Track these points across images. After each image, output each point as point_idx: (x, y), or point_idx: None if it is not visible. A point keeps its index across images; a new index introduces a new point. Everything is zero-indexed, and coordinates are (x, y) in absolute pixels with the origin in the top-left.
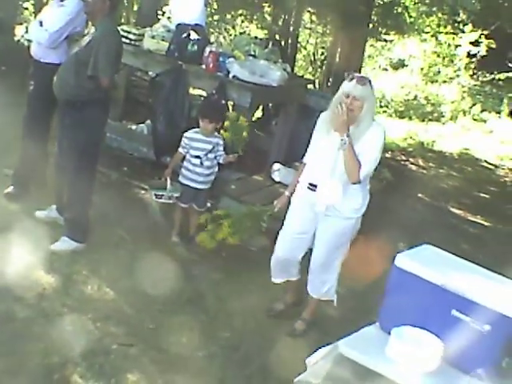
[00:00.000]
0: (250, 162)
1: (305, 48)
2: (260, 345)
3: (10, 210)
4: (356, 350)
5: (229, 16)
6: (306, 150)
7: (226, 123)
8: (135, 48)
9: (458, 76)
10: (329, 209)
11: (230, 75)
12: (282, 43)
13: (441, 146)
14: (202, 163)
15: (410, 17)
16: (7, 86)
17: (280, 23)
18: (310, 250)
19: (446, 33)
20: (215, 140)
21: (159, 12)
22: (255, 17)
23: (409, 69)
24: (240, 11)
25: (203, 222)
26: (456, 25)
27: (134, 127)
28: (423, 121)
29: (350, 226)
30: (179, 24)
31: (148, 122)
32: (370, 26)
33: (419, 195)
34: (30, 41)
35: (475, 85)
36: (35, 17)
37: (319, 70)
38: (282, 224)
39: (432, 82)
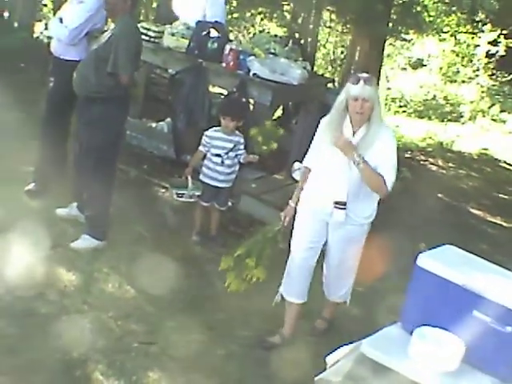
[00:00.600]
0: (271, 160)
1: (324, 46)
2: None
3: (30, 207)
4: (378, 349)
5: (248, 14)
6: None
7: (255, 131)
8: (155, 45)
9: (477, 76)
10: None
11: (251, 73)
12: (302, 41)
13: (460, 146)
14: (222, 162)
15: (429, 16)
16: (26, 83)
17: (299, 21)
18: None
19: (465, 32)
20: (236, 138)
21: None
22: (275, 15)
23: (428, 68)
24: (259, 9)
25: (226, 268)
26: (475, 24)
27: (153, 125)
28: (442, 121)
29: (364, 232)
30: (199, 21)
31: (168, 119)
32: (390, 24)
33: (439, 195)
34: (49, 37)
35: (494, 85)
36: (54, 14)
37: (338, 68)
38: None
39: (451, 82)
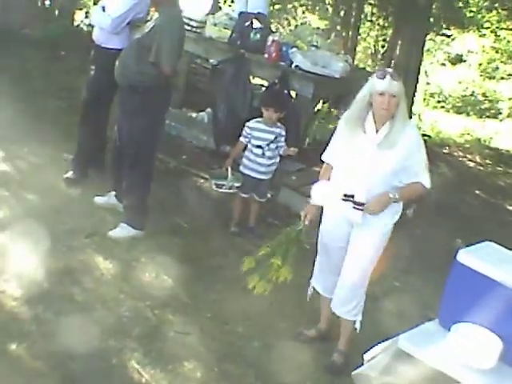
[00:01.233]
0: (311, 153)
1: (365, 40)
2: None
3: (69, 195)
4: (415, 345)
5: (290, 6)
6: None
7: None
8: (197, 35)
9: None
10: (365, 217)
11: (293, 65)
12: (343, 35)
13: (498, 143)
14: (263, 153)
15: (471, 11)
16: (66, 71)
17: (341, 14)
18: None
19: (506, 28)
20: (278, 130)
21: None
22: (317, 7)
23: (467, 64)
24: (301, 1)
25: (251, 268)
26: None
27: (194, 115)
28: (480, 117)
29: (387, 234)
30: (242, 12)
31: (208, 110)
32: (431, 19)
33: (476, 192)
34: (90, 26)
35: None
36: (94, 2)
37: (379, 62)
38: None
39: (490, 79)
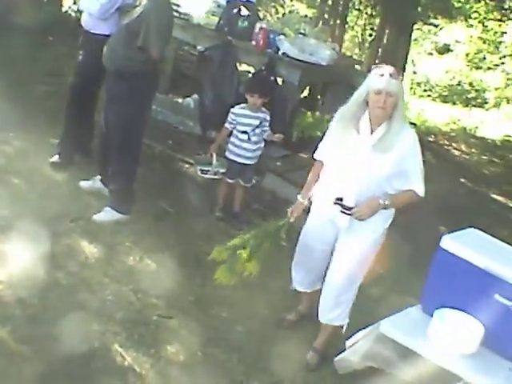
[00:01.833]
0: (296, 139)
1: (352, 29)
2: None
3: (54, 180)
4: (397, 329)
5: None
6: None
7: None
8: (184, 22)
9: (502, 63)
10: (353, 222)
11: (280, 52)
12: (331, 23)
13: (483, 132)
14: (249, 138)
15: (458, 2)
16: (54, 56)
17: (329, 3)
18: None
19: (493, 19)
20: (262, 115)
21: None
22: None
23: (454, 54)
24: None
25: (223, 258)
26: (503, 11)
27: (180, 101)
28: (466, 106)
29: (378, 240)
30: None
31: (195, 95)
32: (419, 9)
33: (461, 180)
34: (78, 11)
35: None
36: None
37: (366, 51)
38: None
39: (476, 68)
